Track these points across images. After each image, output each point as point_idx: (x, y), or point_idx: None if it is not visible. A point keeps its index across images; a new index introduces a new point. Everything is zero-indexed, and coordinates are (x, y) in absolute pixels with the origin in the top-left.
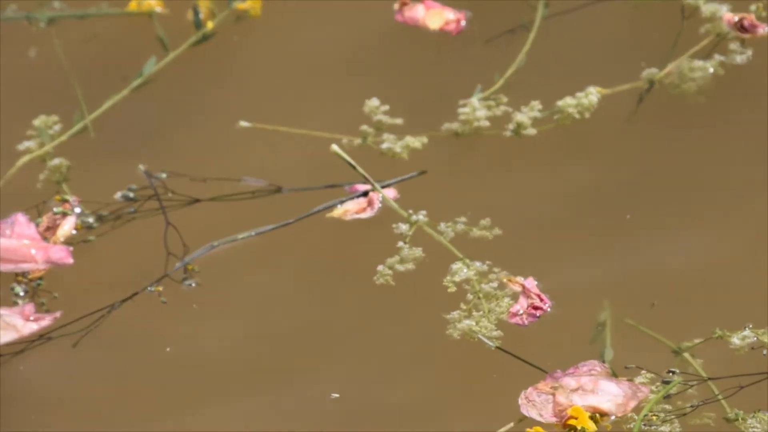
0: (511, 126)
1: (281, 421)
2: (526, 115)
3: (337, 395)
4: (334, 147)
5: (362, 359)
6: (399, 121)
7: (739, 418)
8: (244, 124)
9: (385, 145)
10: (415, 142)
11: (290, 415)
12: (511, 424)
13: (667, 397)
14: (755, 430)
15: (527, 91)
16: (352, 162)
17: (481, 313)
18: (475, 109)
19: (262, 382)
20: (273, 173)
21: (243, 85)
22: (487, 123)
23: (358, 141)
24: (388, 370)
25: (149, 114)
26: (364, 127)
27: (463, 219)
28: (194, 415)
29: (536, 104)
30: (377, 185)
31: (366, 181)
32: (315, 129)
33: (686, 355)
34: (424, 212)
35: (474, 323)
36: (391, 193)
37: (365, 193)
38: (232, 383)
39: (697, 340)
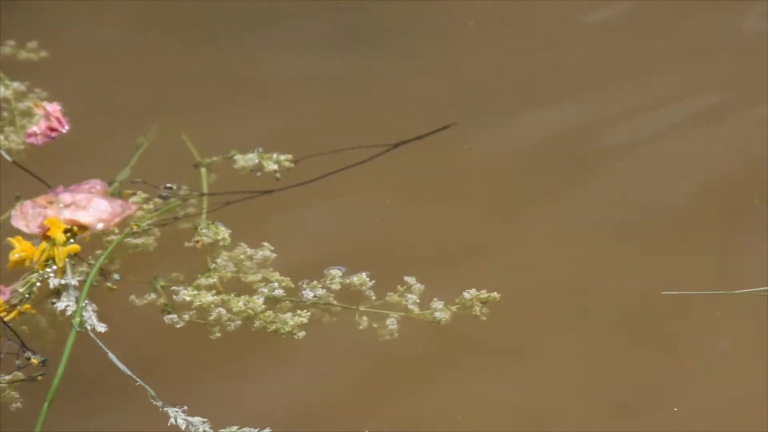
0: None
1: None
2: None
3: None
4: None
5: None
6: None
7: (198, 228)
8: None
9: None
10: None
11: None
12: None
13: (158, 210)
14: (206, 238)
15: None
16: None
17: (12, 128)
18: None
19: None
20: None
21: None
22: None
23: None
24: None
25: None
26: None
27: None
28: None
29: None
30: None
31: None
32: None
33: (202, 170)
34: None
35: (3, 138)
36: None
37: None
38: None
39: (215, 158)
